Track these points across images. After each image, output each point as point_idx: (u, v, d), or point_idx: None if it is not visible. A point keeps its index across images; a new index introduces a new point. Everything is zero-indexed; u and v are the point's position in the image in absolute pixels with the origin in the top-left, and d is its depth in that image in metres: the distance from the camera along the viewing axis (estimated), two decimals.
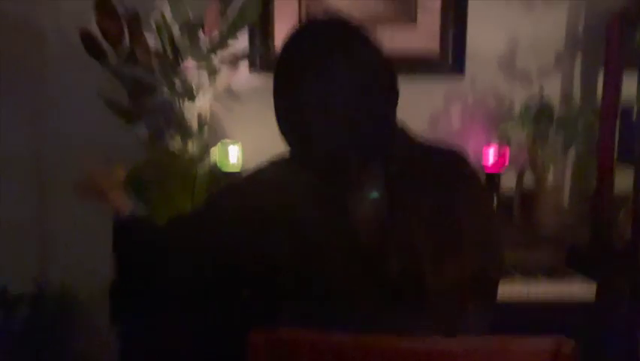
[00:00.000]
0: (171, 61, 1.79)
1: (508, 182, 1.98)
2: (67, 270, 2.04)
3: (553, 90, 2.05)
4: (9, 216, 2.03)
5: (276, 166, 1.09)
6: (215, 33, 1.85)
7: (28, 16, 1.98)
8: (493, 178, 1.89)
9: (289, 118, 1.06)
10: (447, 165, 1.09)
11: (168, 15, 1.89)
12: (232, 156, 1.83)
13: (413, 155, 1.07)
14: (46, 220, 2.08)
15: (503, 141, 1.97)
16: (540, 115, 1.90)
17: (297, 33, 1.07)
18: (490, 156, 1.90)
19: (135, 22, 1.66)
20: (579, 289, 1.71)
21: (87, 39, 1.65)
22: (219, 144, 1.87)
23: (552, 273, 1.76)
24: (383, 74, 1.05)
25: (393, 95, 1.08)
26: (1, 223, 2.03)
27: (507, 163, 1.91)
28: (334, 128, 0.99)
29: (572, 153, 2.07)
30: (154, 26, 1.77)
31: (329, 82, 0.98)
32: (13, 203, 2.04)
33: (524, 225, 1.93)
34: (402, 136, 1.10)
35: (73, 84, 1.97)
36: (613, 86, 2.00)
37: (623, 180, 1.96)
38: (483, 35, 2.08)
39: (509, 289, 1.67)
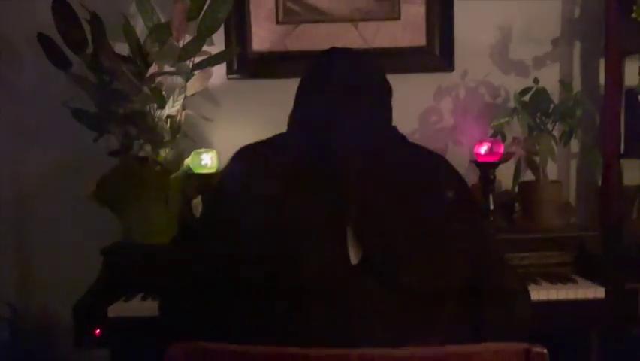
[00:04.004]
0: (140, 66, 1.72)
1: (506, 178, 1.84)
2: (47, 294, 1.97)
3: (550, 80, 1.90)
4: None
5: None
6: (186, 37, 1.78)
7: None
8: (486, 171, 1.74)
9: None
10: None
11: (139, 19, 1.84)
12: (206, 160, 1.74)
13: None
14: (23, 244, 2.01)
15: (498, 135, 1.83)
16: (536, 104, 1.75)
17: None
18: (484, 152, 1.76)
19: (97, 25, 1.59)
20: (585, 294, 1.53)
21: (47, 44, 1.58)
22: (193, 153, 1.77)
23: (556, 279, 1.59)
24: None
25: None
26: None
27: (502, 157, 1.77)
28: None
29: (575, 144, 1.92)
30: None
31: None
32: None
33: (525, 224, 1.77)
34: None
35: (40, 95, 1.91)
36: (615, 72, 1.86)
37: (632, 171, 1.81)
38: (472, 26, 1.96)
39: None
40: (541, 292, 1.53)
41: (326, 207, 0.90)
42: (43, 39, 1.58)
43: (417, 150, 1.06)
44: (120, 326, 1.51)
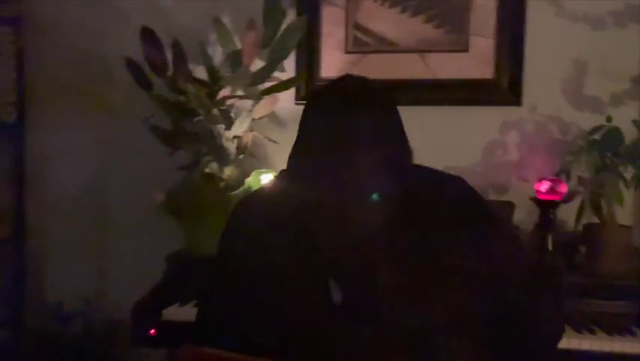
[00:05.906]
0: (212, 89, 1.86)
1: (571, 218, 1.76)
2: (119, 292, 2.15)
3: (628, 119, 1.79)
4: (70, 240, 2.23)
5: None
6: (258, 62, 1.90)
7: (94, 49, 2.18)
8: (546, 210, 1.68)
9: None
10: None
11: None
12: (265, 179, 1.82)
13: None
14: (102, 245, 2.22)
15: (563, 174, 1.76)
16: (606, 144, 1.67)
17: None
18: (544, 190, 1.70)
19: (178, 51, 1.75)
20: None
21: (134, 69, 1.76)
22: (253, 173, 1.87)
23: (613, 329, 1.50)
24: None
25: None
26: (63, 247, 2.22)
27: (564, 197, 1.69)
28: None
29: None
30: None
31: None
32: (74, 231, 2.23)
33: (588, 270, 1.68)
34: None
35: (128, 111, 2.11)
36: None
37: None
38: (544, 60, 1.92)
39: (566, 344, 1.43)
40: (594, 343, 1.45)
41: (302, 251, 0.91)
42: (130, 63, 1.76)
43: (406, 170, 1.03)
44: (173, 329, 1.62)
